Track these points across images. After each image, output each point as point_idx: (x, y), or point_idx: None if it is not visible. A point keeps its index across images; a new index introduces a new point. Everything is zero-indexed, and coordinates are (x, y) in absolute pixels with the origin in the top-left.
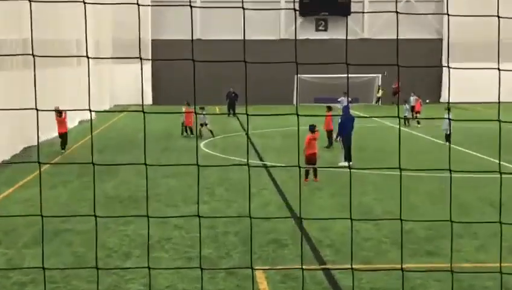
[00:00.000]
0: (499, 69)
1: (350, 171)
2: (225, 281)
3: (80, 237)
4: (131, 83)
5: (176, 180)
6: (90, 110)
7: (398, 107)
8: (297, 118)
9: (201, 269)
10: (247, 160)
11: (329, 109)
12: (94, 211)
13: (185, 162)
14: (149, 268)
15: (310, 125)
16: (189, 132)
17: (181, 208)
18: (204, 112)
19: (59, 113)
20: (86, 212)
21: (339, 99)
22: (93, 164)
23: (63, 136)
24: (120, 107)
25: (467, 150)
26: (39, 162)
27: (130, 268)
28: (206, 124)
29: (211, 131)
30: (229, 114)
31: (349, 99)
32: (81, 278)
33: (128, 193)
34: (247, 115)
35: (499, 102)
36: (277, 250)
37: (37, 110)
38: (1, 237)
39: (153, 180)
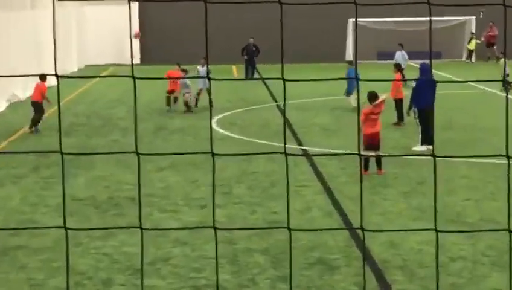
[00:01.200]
0: None
1: (434, 160)
2: None
3: (38, 257)
4: (107, 35)
5: (175, 175)
6: (57, 76)
7: (504, 61)
8: (357, 82)
9: None
10: (284, 144)
11: (399, 68)
12: (64, 221)
13: (188, 148)
14: None
15: (369, 93)
16: (172, 102)
17: (184, 215)
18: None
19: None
20: (45, 222)
21: (397, 55)
22: (62, 153)
23: (37, 106)
24: (93, 70)
25: None
26: None
27: None
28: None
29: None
30: (247, 76)
31: (403, 53)
32: None
33: (107, 194)
34: (284, 80)
35: None
36: (324, 275)
37: None
38: None
39: (143, 175)
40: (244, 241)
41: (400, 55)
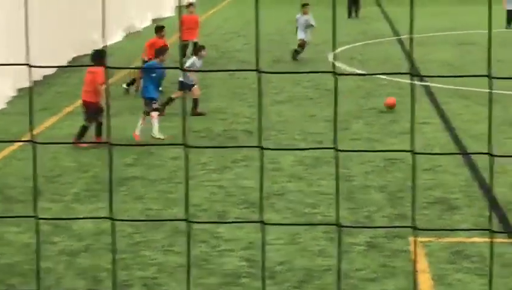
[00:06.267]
0: None
1: None
2: (365, 257)
3: (155, 188)
4: None
5: (292, 110)
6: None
7: None
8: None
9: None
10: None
11: None
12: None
13: (303, 80)
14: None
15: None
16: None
17: (300, 151)
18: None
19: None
20: (161, 154)
21: None
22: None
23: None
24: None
25: None
26: None
27: None
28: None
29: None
30: (350, 13)
31: None
32: None
33: (223, 127)
34: (258, 71)
35: None
36: (444, 215)
37: None
38: None
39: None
40: (361, 178)
41: None
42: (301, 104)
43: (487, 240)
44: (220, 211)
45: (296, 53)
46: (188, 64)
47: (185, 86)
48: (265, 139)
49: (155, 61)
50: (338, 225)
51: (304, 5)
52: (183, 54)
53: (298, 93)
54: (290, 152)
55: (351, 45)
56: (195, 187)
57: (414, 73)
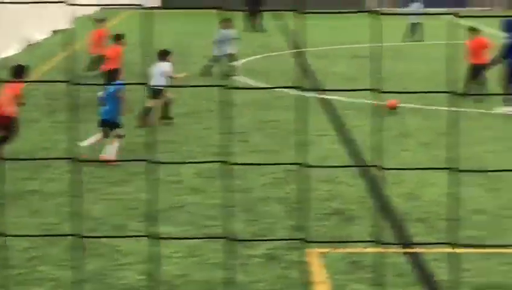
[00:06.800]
0: None
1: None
2: (264, 267)
3: (52, 202)
4: None
5: (192, 123)
6: None
7: None
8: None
9: (224, 238)
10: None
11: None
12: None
13: (205, 96)
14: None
15: None
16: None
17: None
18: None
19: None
20: (59, 166)
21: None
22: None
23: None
24: (110, 12)
25: None
26: None
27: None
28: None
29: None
30: (250, 26)
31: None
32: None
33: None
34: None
35: None
36: (340, 225)
37: None
38: None
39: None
40: (260, 190)
41: (415, 5)
42: (202, 117)
43: (382, 250)
44: (119, 224)
45: (207, 67)
46: (161, 70)
47: (156, 92)
48: (166, 152)
49: (120, 81)
50: (227, 237)
51: (225, 20)
52: (94, 68)
53: (199, 106)
54: (191, 165)
55: (251, 57)
56: (95, 200)
57: (309, 86)
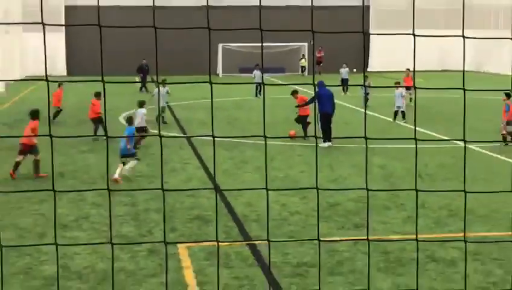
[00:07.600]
0: (463, 36)
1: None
2: (146, 259)
3: None
4: (42, 54)
5: (94, 156)
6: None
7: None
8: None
9: (112, 244)
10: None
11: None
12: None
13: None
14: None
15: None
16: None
17: (100, 186)
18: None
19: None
20: None
21: (253, 74)
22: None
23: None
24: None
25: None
26: None
27: (43, 244)
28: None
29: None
30: (142, 89)
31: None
32: None
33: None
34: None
35: (464, 71)
36: (201, 227)
37: None
38: None
39: (69, 155)
40: (144, 203)
41: (258, 73)
42: (101, 152)
43: (231, 243)
44: (41, 232)
45: (162, 118)
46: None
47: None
48: (74, 179)
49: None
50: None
51: (162, 80)
52: (54, 117)
53: (98, 145)
54: (92, 186)
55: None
56: (23, 215)
57: (178, 130)
